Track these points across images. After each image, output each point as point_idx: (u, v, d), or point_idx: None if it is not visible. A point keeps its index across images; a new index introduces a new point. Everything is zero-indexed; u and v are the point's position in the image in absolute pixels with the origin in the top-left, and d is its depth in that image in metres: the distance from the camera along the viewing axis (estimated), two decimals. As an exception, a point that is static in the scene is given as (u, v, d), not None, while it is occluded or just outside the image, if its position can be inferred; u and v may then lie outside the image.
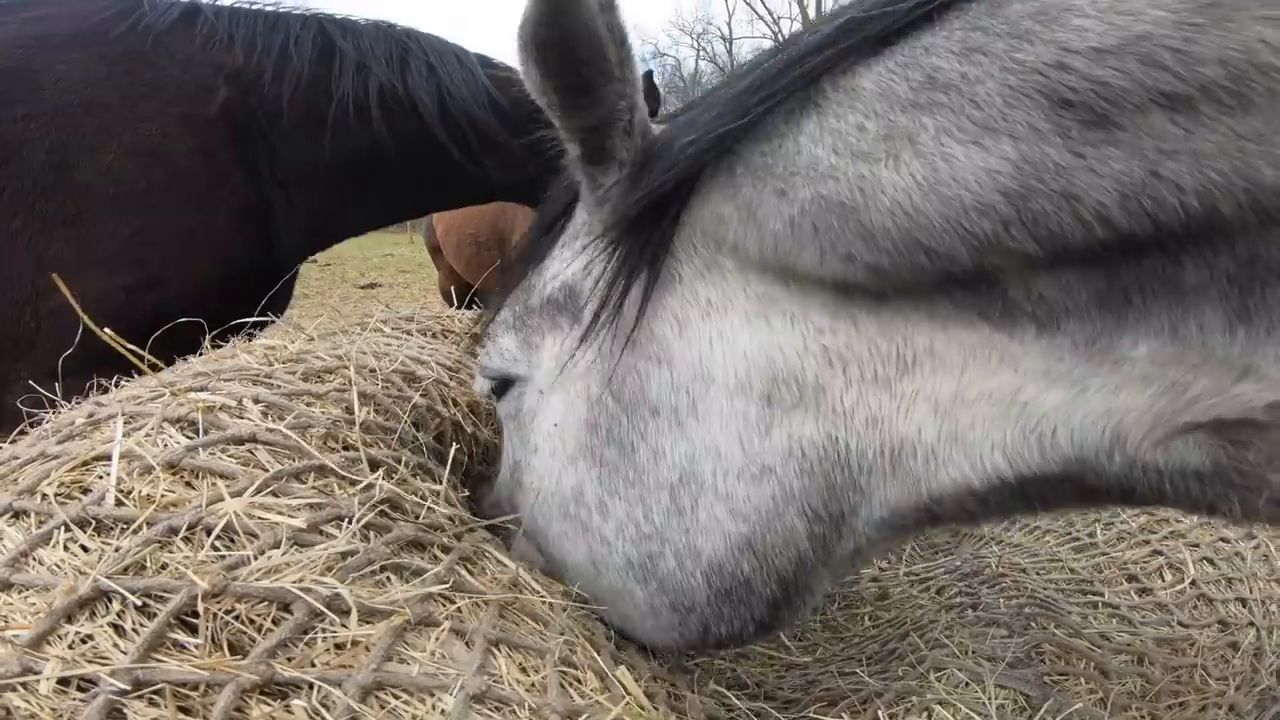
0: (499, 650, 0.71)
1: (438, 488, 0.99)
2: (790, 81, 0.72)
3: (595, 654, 0.84)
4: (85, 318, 1.15)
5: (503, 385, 1.07)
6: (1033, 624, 1.26)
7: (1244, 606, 1.56)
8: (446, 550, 0.86)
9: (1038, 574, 1.64)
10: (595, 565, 0.96)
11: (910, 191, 0.64)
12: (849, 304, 0.76)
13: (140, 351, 1.09)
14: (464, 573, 0.84)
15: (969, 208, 0.62)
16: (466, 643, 0.69)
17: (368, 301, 12.03)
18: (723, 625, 0.91)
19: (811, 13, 36.43)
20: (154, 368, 1.16)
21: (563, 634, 0.84)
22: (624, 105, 0.81)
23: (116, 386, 1.10)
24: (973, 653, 1.15)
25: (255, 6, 2.35)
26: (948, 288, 0.70)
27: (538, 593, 0.90)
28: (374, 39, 2.38)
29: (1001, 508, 0.80)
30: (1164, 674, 1.22)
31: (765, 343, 0.80)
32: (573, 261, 0.97)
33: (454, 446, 1.08)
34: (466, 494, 1.18)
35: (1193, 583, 1.58)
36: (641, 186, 0.82)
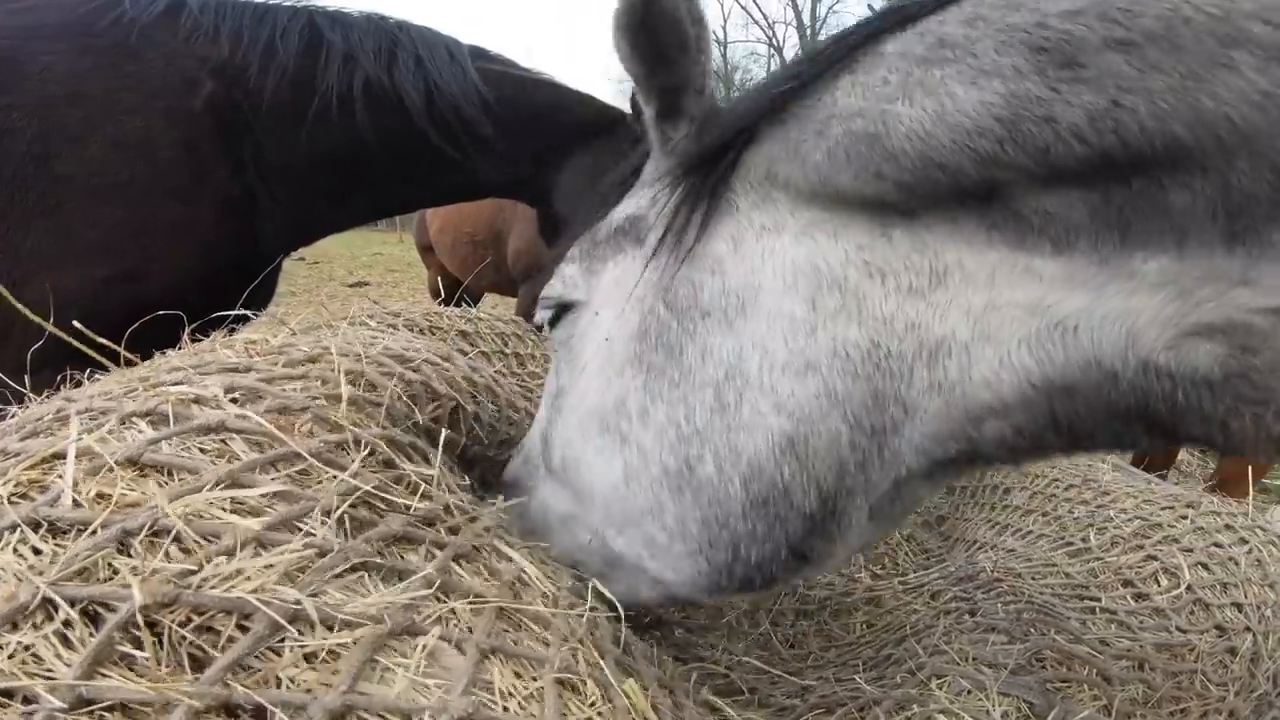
0: (493, 658, 0.66)
1: (431, 472, 0.93)
2: (834, 52, 0.88)
3: (600, 659, 0.79)
4: (39, 316, 1.10)
5: (559, 313, 1.14)
6: (1032, 630, 1.23)
7: (1240, 612, 1.55)
8: (440, 546, 0.80)
9: (1033, 579, 1.62)
10: (627, 481, 0.97)
11: (923, 121, 0.78)
12: (884, 222, 0.86)
13: (108, 343, 1.04)
14: (460, 570, 0.79)
15: (970, 131, 0.75)
16: (458, 650, 0.64)
17: (355, 299, 11.94)
18: (754, 546, 0.90)
19: (806, 18, 36.59)
20: (129, 362, 1.12)
21: (565, 640, 0.79)
22: (697, 70, 0.97)
23: (90, 380, 1.05)
24: (973, 659, 1.12)
25: None
26: (965, 201, 0.80)
27: (541, 588, 0.85)
28: (364, 31, 2.33)
29: (1034, 433, 0.83)
30: (1165, 680, 1.20)
31: (811, 253, 0.89)
32: (640, 199, 1.08)
33: (465, 437, 1.02)
34: (467, 481, 1.12)
35: (1188, 588, 1.56)
36: (707, 134, 0.99)
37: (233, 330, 1.26)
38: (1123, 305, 0.72)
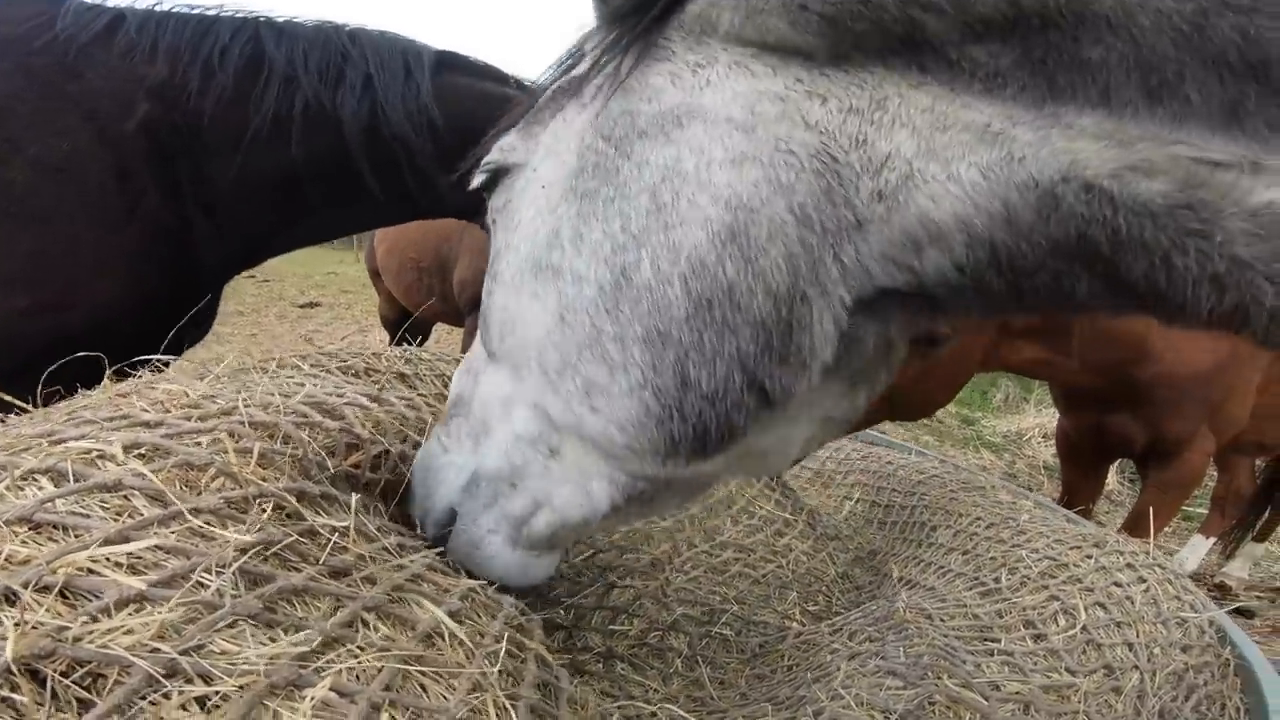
0: (387, 709, 0.68)
1: (345, 523, 0.93)
2: None
3: (511, 708, 0.80)
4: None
5: (495, 178, 1.07)
6: (928, 674, 1.30)
7: (1130, 650, 1.64)
8: (351, 598, 0.81)
9: (943, 620, 1.70)
10: (563, 319, 0.91)
11: None
12: (819, 64, 0.83)
13: (18, 402, 1.03)
14: (371, 619, 0.80)
15: None
16: (350, 701, 0.66)
17: (305, 321, 11.64)
18: (704, 367, 0.84)
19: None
20: (47, 398, 1.11)
21: (475, 689, 0.80)
22: None
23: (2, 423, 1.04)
24: (867, 704, 1.18)
25: (195, 10, 2.21)
26: (893, 47, 0.79)
27: (460, 636, 0.85)
28: (311, 44, 2.22)
29: (975, 271, 0.81)
30: (1048, 720, 1.27)
31: (750, 81, 0.85)
32: (578, 65, 1.02)
33: (391, 475, 1.03)
34: (391, 524, 1.12)
35: (1083, 628, 1.66)
36: None
37: (163, 367, 1.25)
38: (1066, 145, 0.72)
